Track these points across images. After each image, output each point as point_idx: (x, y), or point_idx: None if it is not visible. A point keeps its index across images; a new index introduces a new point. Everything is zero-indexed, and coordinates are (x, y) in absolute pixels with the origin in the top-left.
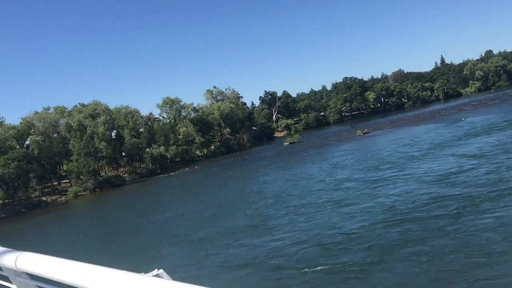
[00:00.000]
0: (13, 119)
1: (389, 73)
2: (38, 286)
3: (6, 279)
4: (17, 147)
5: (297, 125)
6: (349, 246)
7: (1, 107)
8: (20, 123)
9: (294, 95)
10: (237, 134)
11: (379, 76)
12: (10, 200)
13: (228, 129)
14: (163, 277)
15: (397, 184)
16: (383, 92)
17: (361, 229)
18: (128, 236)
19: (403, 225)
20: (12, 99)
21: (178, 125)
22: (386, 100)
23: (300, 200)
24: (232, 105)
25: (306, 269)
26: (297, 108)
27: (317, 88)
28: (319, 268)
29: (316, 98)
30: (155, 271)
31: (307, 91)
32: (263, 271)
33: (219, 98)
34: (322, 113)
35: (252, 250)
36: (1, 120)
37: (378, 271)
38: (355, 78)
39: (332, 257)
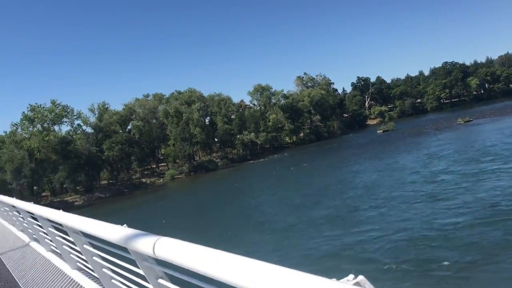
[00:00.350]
0: (117, 105)
1: (495, 57)
2: (165, 272)
3: (133, 262)
4: (120, 131)
5: (391, 112)
6: (443, 244)
7: (106, 94)
8: (123, 109)
9: (388, 80)
10: (327, 122)
11: (483, 61)
12: (114, 181)
13: (318, 116)
14: (365, 286)
15: (501, 178)
16: (488, 78)
17: (458, 226)
18: (217, 220)
19: (508, 225)
20: (115, 86)
21: (268, 112)
22: (491, 86)
23: (391, 192)
24: (323, 92)
25: (393, 265)
26: (391, 95)
27: (414, 73)
28: (407, 265)
29: (413, 84)
30: (351, 277)
31: (402, 76)
32: (346, 264)
33: (309, 84)
34: (418, 100)
35: (337, 242)
36: (106, 106)
37: (478, 272)
38: (455, 63)
39: (423, 254)
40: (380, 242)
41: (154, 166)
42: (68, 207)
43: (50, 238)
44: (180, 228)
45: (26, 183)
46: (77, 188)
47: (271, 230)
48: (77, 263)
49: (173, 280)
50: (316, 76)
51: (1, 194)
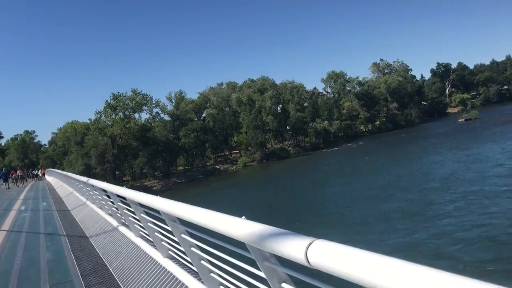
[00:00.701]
0: (192, 94)
1: None
2: (186, 230)
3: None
4: (195, 119)
5: (474, 100)
6: None
7: (182, 83)
8: (198, 98)
9: (471, 66)
10: (404, 109)
11: None
12: (189, 167)
13: (395, 104)
14: None
15: None
16: None
17: None
18: (286, 209)
19: None
20: (191, 75)
21: (342, 100)
22: None
23: (472, 186)
24: (400, 78)
25: (471, 265)
26: (474, 82)
27: (500, 58)
28: (487, 265)
29: (499, 69)
30: None
31: (487, 62)
32: (419, 261)
33: (386, 71)
34: (505, 87)
35: (410, 237)
36: (183, 95)
37: None
38: None
39: (506, 254)
40: (457, 239)
41: (227, 153)
42: (147, 191)
43: (141, 224)
44: (249, 215)
45: (109, 168)
46: (155, 173)
47: (341, 222)
48: (169, 251)
49: (191, 235)
50: (393, 62)
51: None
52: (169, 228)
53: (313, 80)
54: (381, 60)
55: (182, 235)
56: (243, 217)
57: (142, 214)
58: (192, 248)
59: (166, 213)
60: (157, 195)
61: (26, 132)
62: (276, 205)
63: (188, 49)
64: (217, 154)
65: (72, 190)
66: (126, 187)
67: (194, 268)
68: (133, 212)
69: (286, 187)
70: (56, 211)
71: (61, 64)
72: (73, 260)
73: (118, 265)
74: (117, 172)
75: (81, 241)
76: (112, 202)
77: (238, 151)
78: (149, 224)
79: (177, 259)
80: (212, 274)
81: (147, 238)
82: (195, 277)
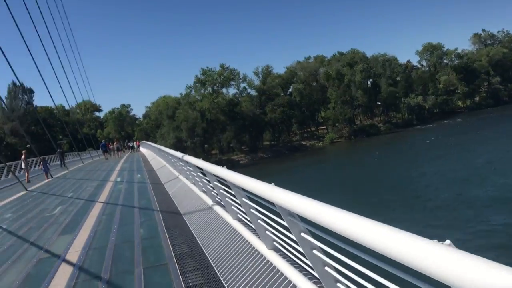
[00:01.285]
0: (279, 68)
1: None
2: (308, 229)
3: (278, 215)
4: (282, 94)
5: None
6: None
7: (269, 58)
8: (285, 72)
9: None
10: (508, 84)
11: None
12: (275, 142)
13: (497, 78)
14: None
15: None
16: None
17: None
18: (369, 188)
19: None
20: (278, 50)
21: (439, 74)
22: None
23: None
24: (505, 50)
25: None
26: None
27: None
28: None
29: None
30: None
31: None
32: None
33: (488, 42)
34: None
35: (501, 229)
36: (270, 69)
37: None
38: None
39: None
40: None
41: (314, 129)
42: (234, 165)
43: (216, 192)
44: (332, 195)
45: (198, 141)
46: (242, 147)
47: (425, 207)
48: (238, 215)
49: (314, 235)
50: (497, 32)
51: (177, 151)
52: (275, 218)
53: (407, 53)
54: (483, 30)
55: (243, 199)
56: (272, 183)
57: (215, 182)
58: (251, 210)
59: (230, 182)
60: (243, 169)
61: (123, 105)
62: (361, 185)
63: (276, 23)
64: (303, 130)
65: (165, 163)
66: (214, 161)
67: (303, 265)
68: (232, 194)
69: (373, 166)
70: (149, 184)
71: (154, 42)
72: (167, 240)
73: (214, 250)
74: (205, 146)
75: (175, 219)
76: (207, 181)
77: (325, 127)
78: (252, 210)
79: (243, 220)
80: (266, 232)
81: (248, 225)
82: (254, 233)
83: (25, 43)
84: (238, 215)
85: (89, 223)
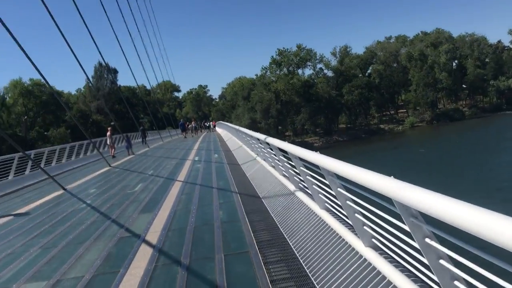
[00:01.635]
0: (358, 48)
1: None
2: (434, 233)
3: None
4: (360, 75)
5: None
6: None
7: (347, 37)
8: (364, 53)
9: None
10: None
11: None
12: (351, 125)
13: None
14: None
15: None
16: None
17: None
18: (449, 178)
19: None
20: (357, 29)
21: None
22: None
23: None
24: None
25: None
26: None
27: None
28: None
29: None
30: None
31: None
32: None
33: None
34: None
35: None
36: (348, 50)
37: None
38: None
39: None
40: None
41: (393, 112)
42: (307, 148)
43: (301, 177)
44: (417, 180)
45: (272, 123)
46: (317, 130)
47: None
48: (326, 204)
49: (443, 242)
50: None
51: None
52: (379, 212)
53: (498, 32)
54: None
55: (339, 189)
56: (392, 176)
57: (340, 189)
58: (348, 202)
59: (324, 168)
60: (316, 152)
61: (200, 86)
62: (438, 172)
63: (356, 1)
64: (381, 113)
65: (241, 144)
66: (288, 142)
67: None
68: (319, 180)
69: (453, 153)
70: (227, 164)
71: (230, 24)
72: (247, 224)
73: (299, 241)
74: (279, 127)
75: (254, 203)
76: (291, 165)
77: (405, 110)
78: (348, 202)
79: (332, 211)
80: (365, 227)
81: (339, 216)
82: (349, 228)
83: (112, 27)
84: (326, 204)
85: (169, 203)
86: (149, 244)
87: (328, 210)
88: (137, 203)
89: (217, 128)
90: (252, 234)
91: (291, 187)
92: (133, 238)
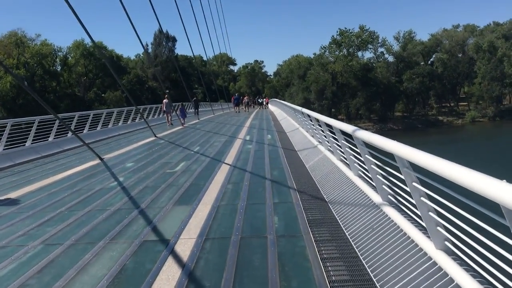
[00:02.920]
0: (422, 35)
1: None
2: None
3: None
4: (422, 63)
5: None
6: None
7: (412, 22)
8: (429, 40)
9: None
10: None
11: None
12: (408, 114)
13: None
14: None
15: None
16: None
17: None
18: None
19: None
20: (424, 15)
21: None
22: None
23: None
24: None
25: None
26: None
27: None
28: None
29: None
30: None
31: None
32: None
33: None
34: None
35: None
36: (412, 35)
37: None
38: None
39: None
40: None
41: (453, 104)
42: None
43: (341, 150)
44: None
45: (326, 105)
46: (371, 116)
47: None
48: (359, 171)
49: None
50: None
51: None
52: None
53: None
54: None
55: (366, 156)
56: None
57: (342, 141)
58: (372, 166)
59: (357, 137)
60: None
61: (256, 61)
62: (495, 174)
63: None
64: (441, 104)
65: (298, 126)
66: None
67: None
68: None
69: None
70: (281, 149)
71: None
72: (313, 246)
73: (356, 234)
74: (333, 110)
75: (319, 207)
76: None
77: (466, 103)
78: (346, 149)
79: (363, 176)
80: (438, 228)
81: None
82: (373, 188)
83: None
84: (389, 196)
85: (211, 194)
86: (177, 259)
87: (389, 202)
88: (175, 189)
89: (269, 106)
90: (307, 223)
91: (349, 173)
92: (157, 246)
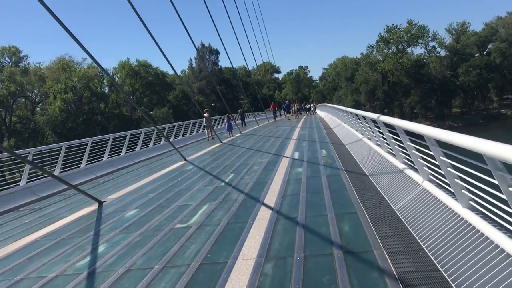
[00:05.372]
0: (476, 25)
1: None
2: None
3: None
4: (477, 55)
5: None
6: None
7: (463, 13)
8: (483, 29)
9: None
10: None
11: None
12: (467, 109)
13: None
14: None
15: None
16: None
17: None
18: None
19: None
20: (476, 2)
21: None
22: None
23: None
24: None
25: None
26: None
27: None
28: None
29: None
30: None
31: None
32: None
33: None
34: None
35: None
36: (466, 26)
37: None
38: None
39: None
40: None
41: None
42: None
43: (407, 152)
44: None
45: (378, 105)
46: (427, 114)
47: None
48: (429, 175)
49: None
50: None
51: None
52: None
53: None
54: None
55: (441, 158)
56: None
57: (408, 142)
58: (448, 168)
59: (430, 138)
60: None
61: (300, 67)
62: None
63: None
64: (501, 97)
65: (360, 137)
66: None
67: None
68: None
69: None
70: (344, 172)
71: (332, 1)
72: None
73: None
74: (385, 110)
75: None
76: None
77: None
78: (413, 151)
79: (435, 181)
80: (463, 191)
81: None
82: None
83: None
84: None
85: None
86: None
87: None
88: (174, 274)
89: (318, 111)
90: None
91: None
92: None
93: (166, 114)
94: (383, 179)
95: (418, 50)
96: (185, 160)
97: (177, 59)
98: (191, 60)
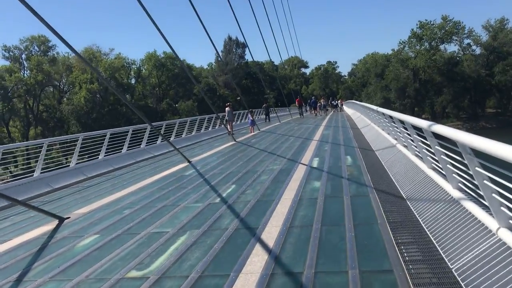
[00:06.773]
0: None
1: None
2: None
3: None
4: None
5: None
6: None
7: (502, 9)
8: None
9: None
10: None
11: None
12: (502, 110)
13: None
14: None
15: None
16: None
17: None
18: None
19: None
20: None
21: None
22: None
23: None
24: None
25: None
26: None
27: None
28: None
29: None
30: None
31: None
32: None
33: None
34: None
35: None
36: (505, 23)
37: None
38: None
39: None
40: None
41: None
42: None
43: (436, 158)
44: None
45: (408, 104)
46: (459, 114)
47: None
48: (459, 184)
49: None
50: None
51: None
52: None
53: None
54: None
55: (476, 168)
56: None
57: (436, 147)
58: (485, 181)
59: (464, 145)
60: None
61: (329, 62)
62: None
63: None
64: None
65: (394, 143)
66: None
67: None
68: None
69: None
70: (373, 190)
71: None
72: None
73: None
74: (416, 109)
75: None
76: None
77: None
78: (442, 156)
79: (466, 191)
80: (502, 208)
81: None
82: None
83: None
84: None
85: None
86: None
87: None
88: None
89: (345, 108)
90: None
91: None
92: None
93: (191, 107)
94: (427, 209)
95: (451, 48)
96: (188, 162)
97: (204, 52)
98: (217, 53)
